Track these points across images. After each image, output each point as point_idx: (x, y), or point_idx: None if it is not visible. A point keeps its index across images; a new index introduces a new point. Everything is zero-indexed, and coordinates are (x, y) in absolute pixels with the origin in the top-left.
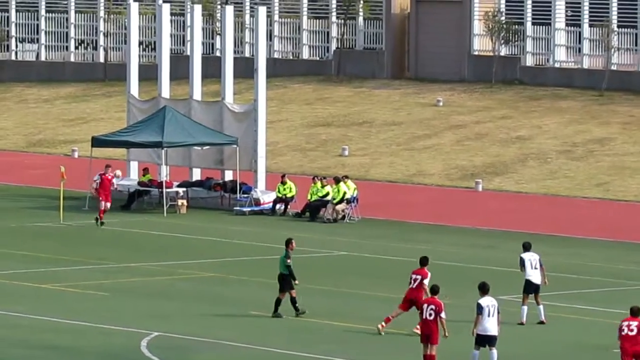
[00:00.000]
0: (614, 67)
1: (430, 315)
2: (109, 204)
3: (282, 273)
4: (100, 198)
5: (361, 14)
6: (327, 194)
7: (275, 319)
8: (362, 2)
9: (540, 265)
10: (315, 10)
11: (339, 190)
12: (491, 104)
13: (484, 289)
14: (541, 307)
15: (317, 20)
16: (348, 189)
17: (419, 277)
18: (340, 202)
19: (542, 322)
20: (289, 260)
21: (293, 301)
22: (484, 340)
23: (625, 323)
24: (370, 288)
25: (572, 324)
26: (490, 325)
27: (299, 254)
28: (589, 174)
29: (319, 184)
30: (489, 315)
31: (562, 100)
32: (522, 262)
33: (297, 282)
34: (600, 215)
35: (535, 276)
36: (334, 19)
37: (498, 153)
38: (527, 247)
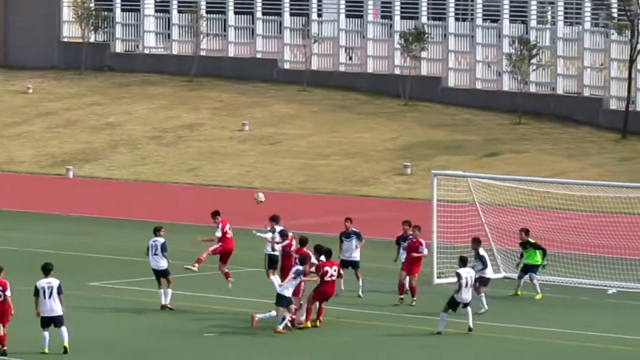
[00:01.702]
0: (203, 53)
1: None
2: None
3: None
4: None
5: None
6: None
7: None
8: None
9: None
10: None
11: None
12: (81, 91)
13: (45, 270)
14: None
15: None
16: None
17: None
18: None
19: (169, 308)
20: None
21: None
22: (50, 321)
23: (326, 269)
24: None
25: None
26: (53, 307)
27: None
28: (179, 159)
29: None
30: (45, 297)
31: (152, 86)
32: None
33: None
34: (190, 200)
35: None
36: None
37: (88, 140)
38: None
